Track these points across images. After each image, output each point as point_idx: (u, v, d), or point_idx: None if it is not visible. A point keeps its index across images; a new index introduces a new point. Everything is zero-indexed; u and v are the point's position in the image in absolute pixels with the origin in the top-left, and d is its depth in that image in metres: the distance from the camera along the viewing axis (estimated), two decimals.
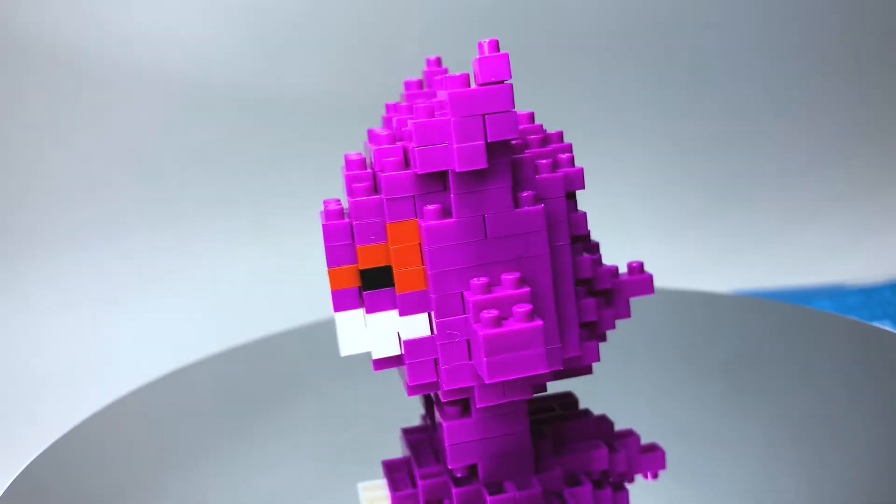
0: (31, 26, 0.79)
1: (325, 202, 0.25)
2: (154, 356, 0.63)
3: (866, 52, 0.87)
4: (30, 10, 0.79)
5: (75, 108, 0.80)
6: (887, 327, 0.53)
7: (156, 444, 0.40)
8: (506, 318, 0.23)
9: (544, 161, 0.25)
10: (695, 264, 0.77)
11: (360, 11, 0.83)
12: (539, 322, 0.22)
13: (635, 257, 0.42)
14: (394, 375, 0.29)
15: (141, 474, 0.37)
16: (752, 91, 0.87)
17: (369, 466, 0.31)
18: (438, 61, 0.28)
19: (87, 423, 0.41)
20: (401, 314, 0.24)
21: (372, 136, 0.26)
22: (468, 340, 0.24)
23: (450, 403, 0.26)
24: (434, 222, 0.24)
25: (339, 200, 0.26)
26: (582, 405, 0.31)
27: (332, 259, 0.25)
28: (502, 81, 0.23)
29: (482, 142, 0.23)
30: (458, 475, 0.27)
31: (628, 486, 0.29)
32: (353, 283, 0.25)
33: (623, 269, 0.28)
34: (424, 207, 0.24)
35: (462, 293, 0.24)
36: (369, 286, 0.25)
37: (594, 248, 0.27)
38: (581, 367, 0.27)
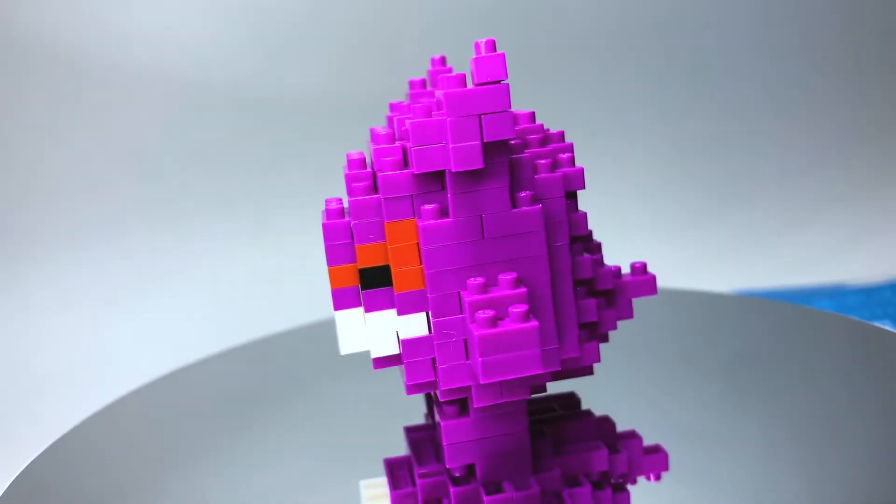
0: (31, 26, 0.79)
1: (326, 201, 0.25)
2: (154, 356, 0.63)
3: (866, 52, 0.87)
4: (30, 10, 0.79)
5: (75, 108, 0.80)
6: (887, 327, 0.53)
7: (156, 444, 0.40)
8: (502, 319, 0.23)
9: (543, 161, 0.25)
10: (695, 264, 0.77)
11: (361, 11, 0.83)
12: (534, 323, 0.22)
13: (635, 257, 0.42)
14: (395, 374, 0.29)
15: (141, 474, 0.37)
16: (752, 91, 0.87)
17: (372, 464, 0.31)
18: (443, 60, 0.28)
19: (87, 423, 0.41)
20: (399, 313, 0.24)
21: (372, 136, 0.26)
22: (465, 340, 0.24)
23: (448, 403, 0.26)
24: (431, 222, 0.24)
25: (340, 199, 0.26)
26: (583, 405, 0.31)
27: (332, 258, 0.25)
28: (499, 81, 0.23)
29: (478, 142, 0.23)
30: (457, 475, 0.27)
31: (630, 487, 0.29)
32: (353, 281, 0.25)
33: (626, 270, 0.28)
34: (422, 207, 0.24)
35: (459, 293, 0.24)
36: (368, 285, 0.25)
37: (595, 248, 0.27)
38: (581, 368, 0.27)
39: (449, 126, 0.23)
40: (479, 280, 0.23)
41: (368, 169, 0.25)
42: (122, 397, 0.44)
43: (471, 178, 0.23)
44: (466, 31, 0.79)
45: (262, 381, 0.46)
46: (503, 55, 0.23)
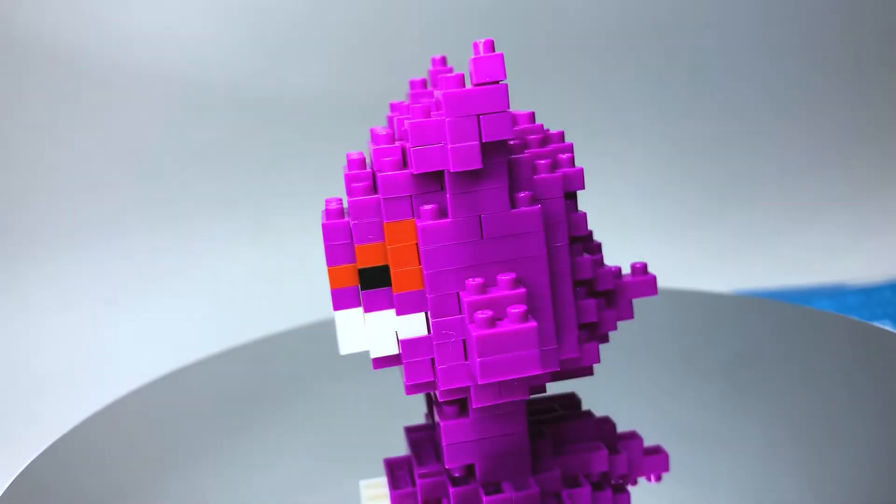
0: (31, 26, 0.79)
1: (326, 201, 0.25)
2: (154, 356, 0.63)
3: (866, 52, 0.87)
4: (30, 10, 0.79)
5: (75, 108, 0.80)
6: (887, 327, 0.53)
7: (156, 444, 0.40)
8: (500, 319, 0.23)
9: (543, 161, 0.25)
10: (695, 264, 0.77)
11: (360, 11, 0.83)
12: (533, 323, 0.22)
13: (635, 257, 0.42)
14: (395, 374, 0.29)
15: (141, 474, 0.37)
16: (752, 91, 0.87)
17: (373, 464, 0.31)
18: (444, 60, 0.28)
19: (87, 423, 0.41)
20: (398, 314, 0.24)
21: (372, 136, 0.26)
22: (464, 341, 0.24)
23: (447, 403, 0.26)
24: (430, 222, 0.24)
25: (340, 200, 0.26)
26: (584, 406, 0.31)
27: (332, 258, 0.25)
28: (497, 82, 0.23)
29: (477, 142, 0.23)
30: (456, 475, 0.27)
31: (630, 488, 0.29)
32: (353, 281, 0.25)
33: (626, 270, 0.28)
34: (421, 207, 0.24)
35: (458, 293, 0.24)
36: (367, 285, 0.25)
37: (596, 248, 0.27)
38: (581, 369, 0.27)
39: (447, 126, 0.23)
40: (478, 280, 0.23)
41: (368, 169, 0.25)
42: (122, 397, 0.44)
43: (469, 178, 0.23)
44: (466, 31, 0.79)
45: (262, 381, 0.46)
46: (502, 55, 0.23)
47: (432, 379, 0.25)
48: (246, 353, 0.49)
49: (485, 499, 0.26)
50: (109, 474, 0.37)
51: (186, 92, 0.81)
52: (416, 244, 0.24)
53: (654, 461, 0.29)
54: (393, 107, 0.28)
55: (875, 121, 0.87)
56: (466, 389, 0.25)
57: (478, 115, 0.23)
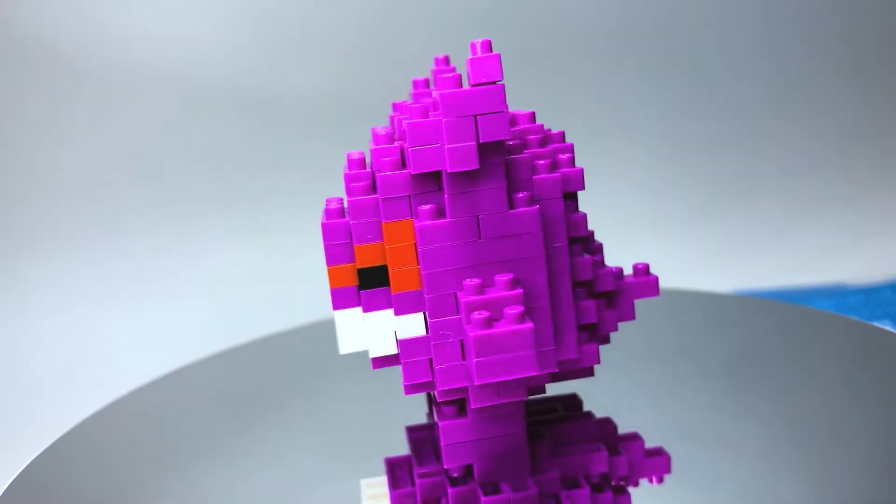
0: (31, 26, 0.79)
1: (327, 201, 0.25)
2: (154, 356, 0.63)
3: (866, 52, 0.87)
4: (30, 10, 0.79)
5: (75, 108, 0.80)
6: (887, 327, 0.53)
7: (156, 444, 0.40)
8: (497, 320, 0.23)
9: (542, 161, 0.24)
10: (695, 264, 0.77)
11: (361, 11, 0.83)
12: (529, 324, 0.22)
13: (636, 257, 0.42)
14: (395, 374, 0.29)
15: (141, 474, 0.37)
16: (752, 91, 0.87)
17: (373, 464, 0.31)
18: (446, 60, 0.28)
19: (87, 423, 0.41)
20: (396, 314, 0.24)
21: (373, 136, 0.26)
22: (462, 341, 0.24)
23: (446, 403, 0.26)
24: (428, 222, 0.24)
25: (340, 199, 0.26)
26: (585, 406, 0.31)
27: (331, 258, 0.25)
28: (495, 82, 0.23)
29: (474, 142, 0.23)
30: (455, 475, 0.27)
31: (631, 489, 0.29)
32: (352, 281, 0.25)
33: (627, 271, 0.28)
34: (419, 207, 0.24)
35: (456, 294, 0.24)
36: (366, 285, 0.25)
37: (596, 249, 0.27)
38: (581, 370, 0.27)
39: (445, 127, 0.23)
40: (476, 281, 0.23)
41: (368, 169, 0.25)
42: (122, 397, 0.44)
43: (467, 178, 0.23)
44: (466, 31, 0.79)
45: (262, 381, 0.46)
46: (499, 56, 0.23)
47: (431, 379, 0.25)
48: (246, 353, 0.49)
49: (483, 499, 0.26)
50: (109, 474, 0.37)
51: (186, 92, 0.81)
52: (415, 244, 0.24)
53: (656, 463, 0.29)
54: (395, 106, 0.28)
55: (875, 121, 0.87)
56: (465, 390, 0.25)
57: (475, 116, 0.23)
